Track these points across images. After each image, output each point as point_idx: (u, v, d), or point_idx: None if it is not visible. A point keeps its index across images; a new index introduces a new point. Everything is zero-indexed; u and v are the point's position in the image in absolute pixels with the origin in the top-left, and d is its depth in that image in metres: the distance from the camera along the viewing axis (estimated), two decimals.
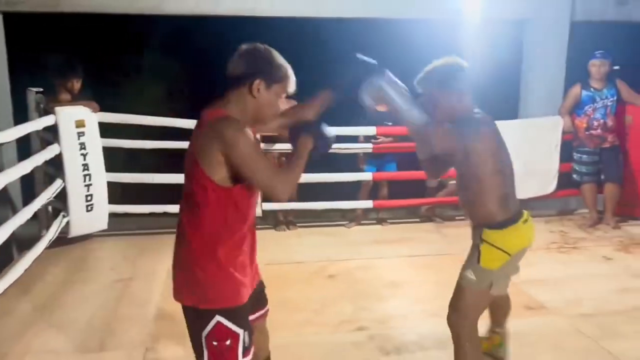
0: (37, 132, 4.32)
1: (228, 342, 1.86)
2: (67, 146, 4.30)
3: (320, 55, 6.10)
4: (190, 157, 1.84)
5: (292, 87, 1.91)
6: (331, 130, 1.98)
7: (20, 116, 4.58)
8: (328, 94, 2.13)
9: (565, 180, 5.23)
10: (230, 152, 1.75)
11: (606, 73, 5.05)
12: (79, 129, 4.34)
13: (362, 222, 5.31)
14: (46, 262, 4.05)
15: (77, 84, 4.58)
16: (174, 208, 4.80)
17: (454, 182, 5.40)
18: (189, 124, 4.87)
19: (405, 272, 4.09)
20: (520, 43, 5.85)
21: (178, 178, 4.90)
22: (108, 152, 4.62)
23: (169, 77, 10.03)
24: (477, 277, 2.28)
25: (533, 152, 5.09)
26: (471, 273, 2.29)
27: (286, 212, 5.17)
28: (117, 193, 4.74)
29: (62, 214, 4.42)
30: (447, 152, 2.28)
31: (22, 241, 4.07)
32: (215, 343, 1.85)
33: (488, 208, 2.25)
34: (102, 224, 4.60)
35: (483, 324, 2.62)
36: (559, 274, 4.03)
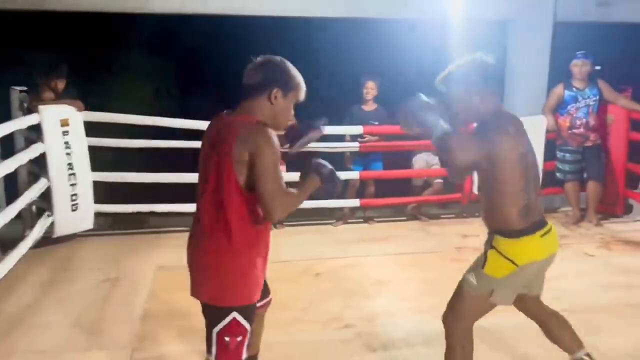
0: (21, 130, 4.28)
1: (239, 339, 1.93)
2: (51, 145, 4.26)
3: (309, 55, 6.11)
4: (216, 158, 1.88)
5: (303, 95, 2.01)
6: (340, 176, 2.07)
7: (3, 115, 4.53)
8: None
9: (549, 179, 5.29)
10: (257, 156, 1.82)
11: (588, 73, 5.12)
12: (64, 128, 4.31)
13: (349, 220, 5.34)
14: (31, 262, 4.00)
15: (60, 84, 4.54)
16: (161, 207, 4.86)
17: (439, 180, 5.47)
18: (176, 123, 4.86)
19: (391, 270, 4.12)
20: (504, 43, 5.91)
21: (165, 177, 4.93)
22: (94, 151, 4.59)
23: (155, 76, 9.96)
24: (478, 282, 2.22)
25: None
26: (473, 277, 2.23)
27: None
28: (104, 192, 4.71)
29: (46, 213, 4.38)
30: (473, 162, 2.13)
31: (5, 241, 4.02)
32: (227, 339, 1.91)
33: (506, 217, 2.15)
34: (88, 223, 4.57)
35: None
36: None
